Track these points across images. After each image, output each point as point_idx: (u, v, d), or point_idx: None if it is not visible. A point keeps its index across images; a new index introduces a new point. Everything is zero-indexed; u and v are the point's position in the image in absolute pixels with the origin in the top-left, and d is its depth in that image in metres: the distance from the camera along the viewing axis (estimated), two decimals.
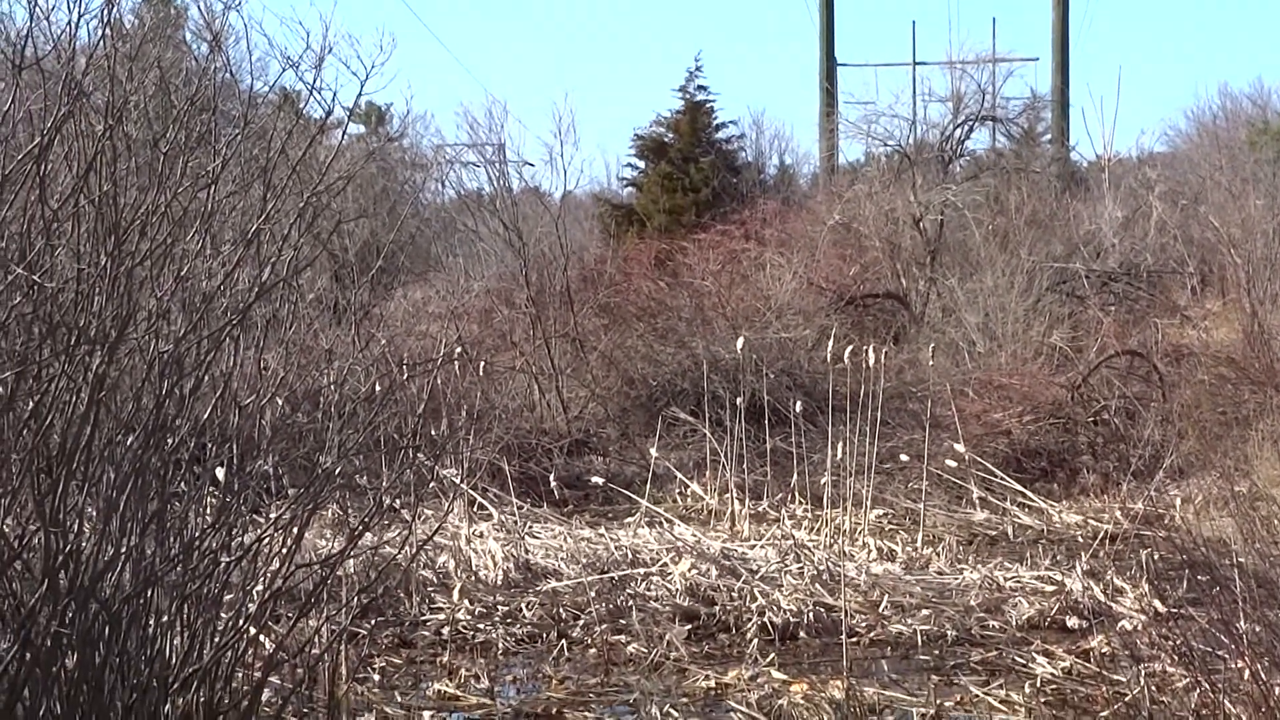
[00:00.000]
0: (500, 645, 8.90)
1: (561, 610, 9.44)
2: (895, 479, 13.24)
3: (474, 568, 10.30)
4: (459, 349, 13.40)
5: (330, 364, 7.42)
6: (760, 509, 12.45)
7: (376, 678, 8.23)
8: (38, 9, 5.65)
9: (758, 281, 18.98)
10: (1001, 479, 13.19)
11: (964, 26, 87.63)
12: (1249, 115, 34.71)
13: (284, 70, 6.50)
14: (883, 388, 12.35)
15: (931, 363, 15.11)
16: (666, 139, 32.07)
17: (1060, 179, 26.08)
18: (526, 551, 10.66)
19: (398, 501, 7.19)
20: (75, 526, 5.55)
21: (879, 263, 21.05)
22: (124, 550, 5.65)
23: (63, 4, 5.51)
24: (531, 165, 21.62)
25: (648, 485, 12.75)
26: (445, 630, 9.13)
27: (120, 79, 5.62)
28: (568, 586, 9.96)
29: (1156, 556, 10.10)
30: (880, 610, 9.35)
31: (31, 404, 5.39)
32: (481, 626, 9.20)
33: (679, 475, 13.54)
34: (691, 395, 15.43)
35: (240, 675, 6.30)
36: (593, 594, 9.66)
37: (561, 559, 10.58)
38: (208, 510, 6.18)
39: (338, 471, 6.37)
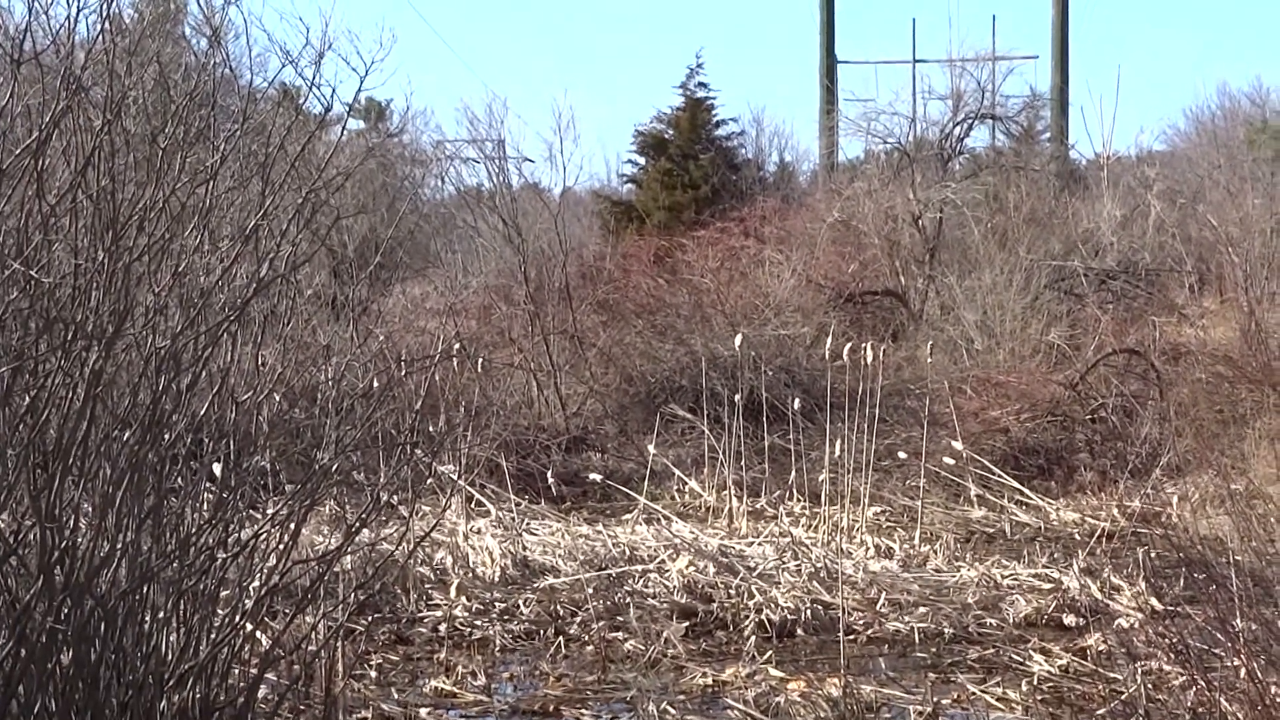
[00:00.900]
0: (497, 642, 8.89)
1: (559, 607, 9.44)
2: (893, 476, 13.23)
3: (471, 564, 10.31)
4: (457, 345, 13.39)
5: (328, 360, 7.43)
6: (758, 506, 12.45)
7: (373, 674, 8.21)
8: (36, 3, 5.65)
9: (757, 279, 18.98)
10: (999, 476, 13.18)
11: (964, 24, 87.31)
12: (1247, 114, 34.69)
13: (283, 65, 6.51)
14: (881, 385, 12.35)
15: (930, 360, 15.12)
16: (666, 135, 32.02)
17: (1059, 177, 26.03)
18: (524, 548, 10.66)
19: (395, 498, 7.19)
20: (71, 522, 5.55)
21: (878, 260, 21.05)
22: (120, 546, 5.65)
23: None
24: (531, 161, 21.68)
25: (646, 482, 12.74)
26: (442, 627, 9.12)
27: (119, 74, 5.62)
28: (565, 583, 9.96)
29: (1153, 554, 10.11)
30: (878, 608, 9.35)
31: (28, 399, 5.39)
32: (479, 623, 9.20)
33: (677, 472, 13.53)
34: (690, 392, 15.42)
35: (236, 672, 6.29)
36: (590, 591, 9.66)
37: (559, 556, 10.58)
38: (204, 506, 6.17)
39: (335, 467, 6.37)
